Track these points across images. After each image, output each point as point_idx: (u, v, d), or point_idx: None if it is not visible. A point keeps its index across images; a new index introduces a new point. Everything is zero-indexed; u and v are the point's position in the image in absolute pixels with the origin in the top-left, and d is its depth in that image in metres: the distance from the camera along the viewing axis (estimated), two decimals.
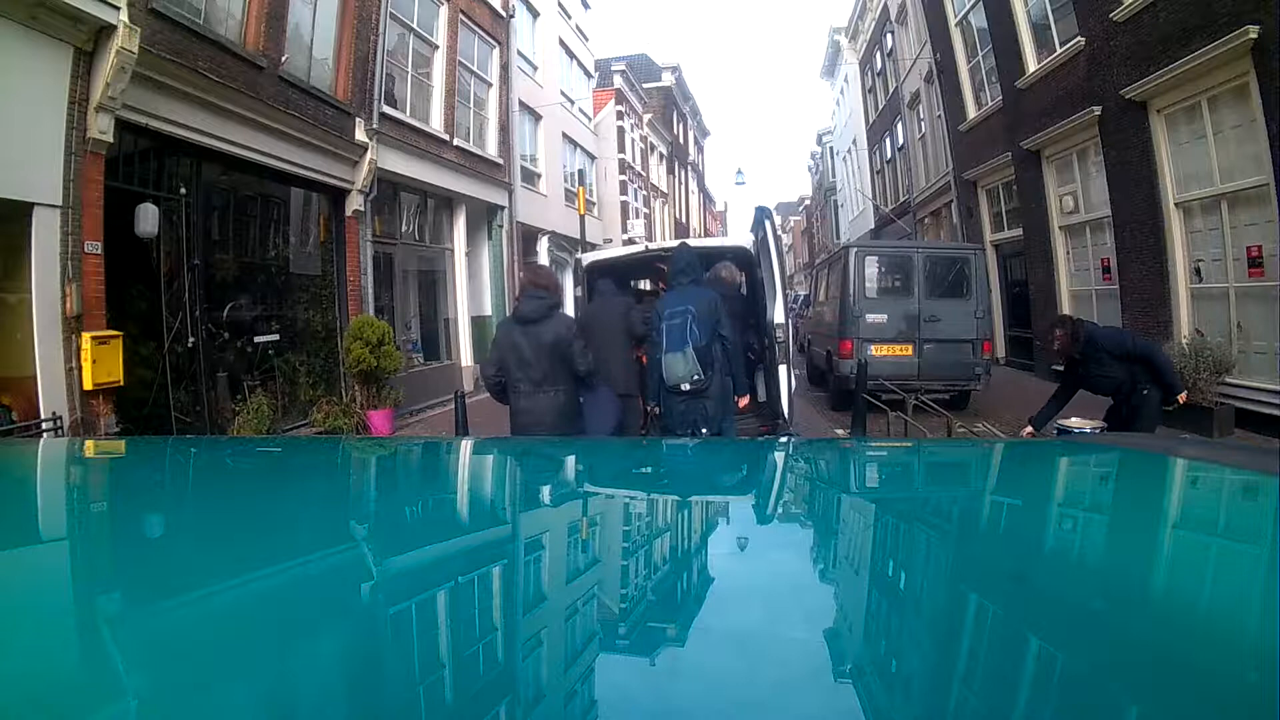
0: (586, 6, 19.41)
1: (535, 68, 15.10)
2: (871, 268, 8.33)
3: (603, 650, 0.53)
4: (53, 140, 4.91)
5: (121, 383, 5.25)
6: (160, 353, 6.01)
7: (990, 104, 12.01)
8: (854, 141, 24.52)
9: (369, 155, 8.60)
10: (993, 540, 0.80)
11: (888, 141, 20.39)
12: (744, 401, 4.08)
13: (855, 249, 8.64)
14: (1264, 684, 0.41)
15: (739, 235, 5.96)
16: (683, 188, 32.20)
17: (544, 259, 14.87)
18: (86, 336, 5.00)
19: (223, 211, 7.14)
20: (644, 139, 24.91)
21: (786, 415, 4.49)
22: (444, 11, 10.78)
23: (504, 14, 12.93)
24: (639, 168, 23.97)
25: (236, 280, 7.16)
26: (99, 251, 5.19)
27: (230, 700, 0.43)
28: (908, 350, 8.00)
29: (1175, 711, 0.41)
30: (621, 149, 21.94)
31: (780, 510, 1.00)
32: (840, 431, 7.16)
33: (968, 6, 12.57)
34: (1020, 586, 0.62)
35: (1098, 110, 8.41)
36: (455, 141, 10.98)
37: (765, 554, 0.76)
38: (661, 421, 4.08)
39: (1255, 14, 5.92)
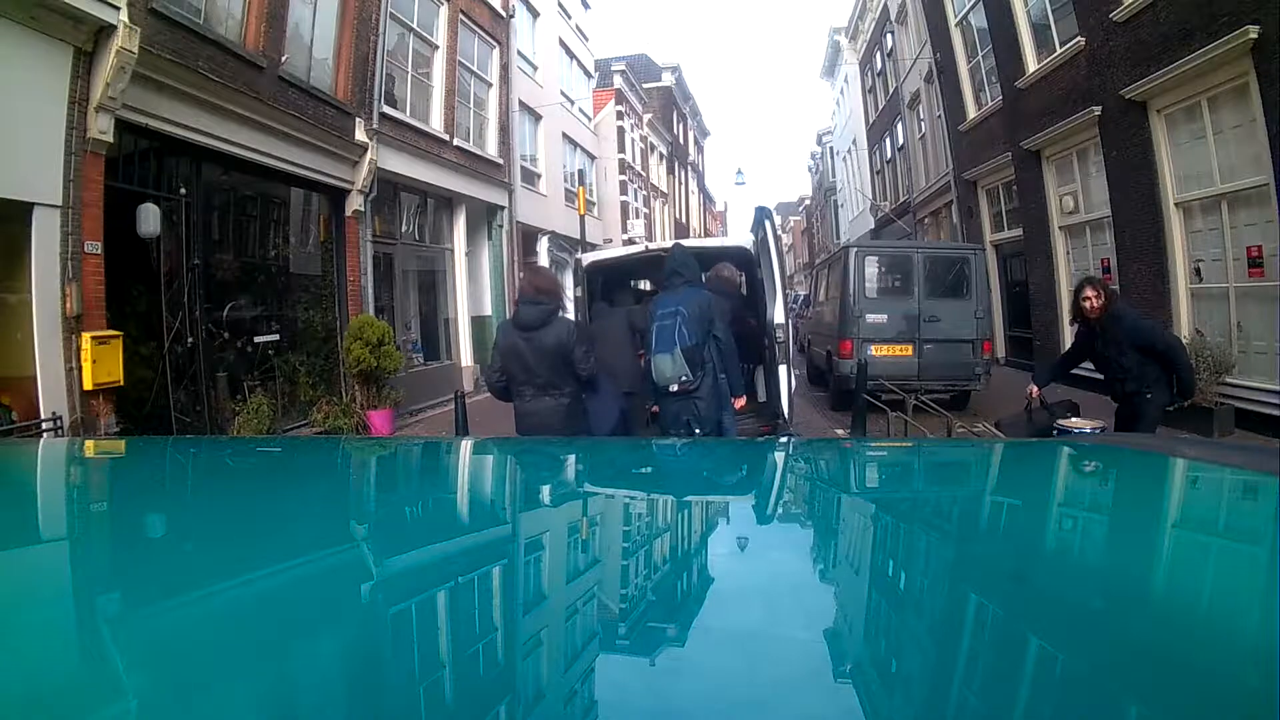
0: (586, 6, 19.42)
1: (535, 68, 15.10)
2: (871, 268, 8.33)
3: (603, 650, 0.53)
4: (53, 140, 4.91)
5: (121, 383, 5.25)
6: (160, 353, 6.01)
7: (990, 104, 12.01)
8: (854, 142, 24.52)
9: (369, 155, 8.61)
10: (993, 540, 0.80)
11: (888, 141, 20.39)
12: (740, 403, 4.07)
13: (855, 249, 8.64)
14: (1264, 684, 0.41)
15: (739, 235, 5.96)
16: (683, 188, 32.20)
17: (544, 259, 14.87)
18: (86, 336, 5.00)
19: (223, 211, 7.14)
20: (644, 139, 24.92)
21: (786, 415, 4.49)
22: (444, 11, 10.79)
23: (504, 14, 12.93)
24: (639, 168, 23.97)
25: (236, 280, 7.16)
26: (99, 251, 5.19)
27: (230, 700, 0.43)
28: (908, 350, 8.00)
29: (1175, 711, 0.41)
30: (621, 149, 21.94)
31: (780, 510, 1.00)
32: (840, 431, 7.16)
33: (968, 6, 12.57)
34: (1020, 586, 0.62)
35: (1098, 110, 8.41)
36: (455, 141, 10.98)
37: (765, 554, 0.76)
38: (659, 420, 4.09)
39: (1255, 14, 5.92)
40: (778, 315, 4.50)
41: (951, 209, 14.38)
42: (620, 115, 22.01)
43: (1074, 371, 4.45)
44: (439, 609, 0.61)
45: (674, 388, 3.78)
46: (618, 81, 21.90)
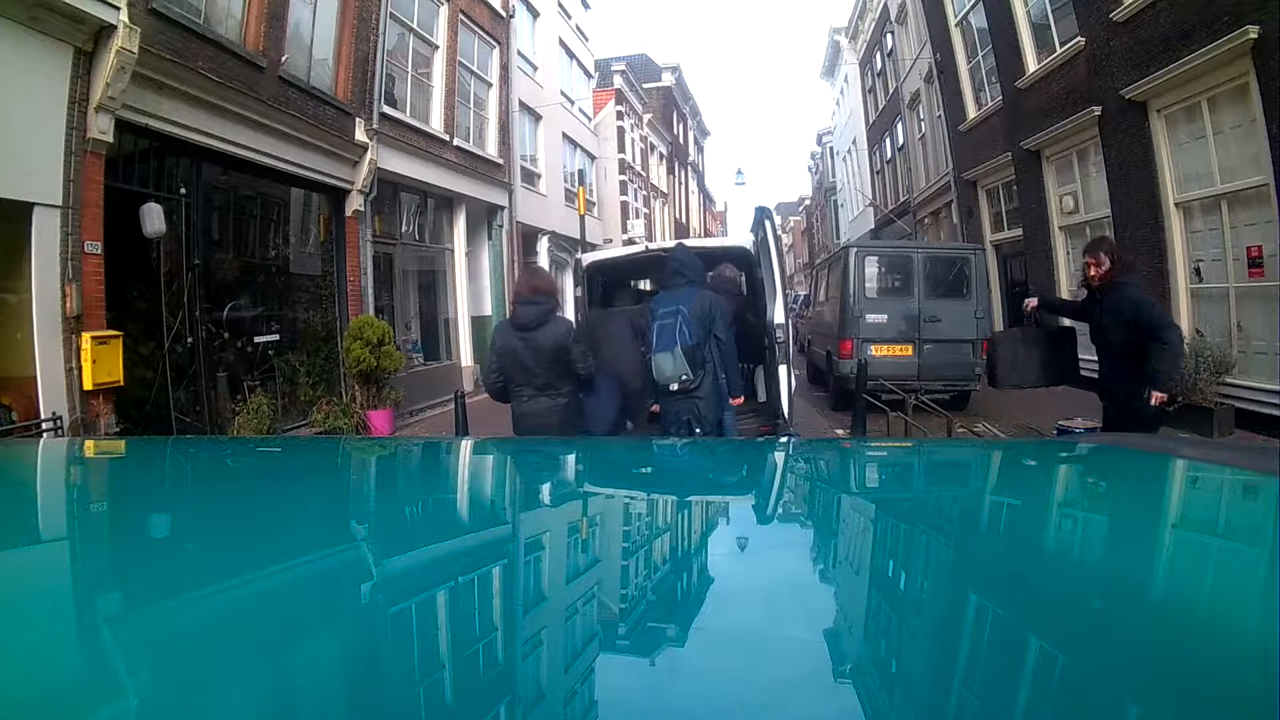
0: (586, 6, 19.42)
1: (535, 68, 15.10)
2: (871, 268, 8.33)
3: (603, 650, 0.53)
4: (53, 140, 4.91)
5: (121, 383, 5.25)
6: (160, 353, 6.01)
7: (990, 104, 12.01)
8: (854, 142, 24.51)
9: (369, 155, 8.61)
10: (993, 540, 0.80)
11: (888, 141, 20.38)
12: (737, 402, 4.08)
13: (855, 249, 8.64)
14: (1264, 684, 0.41)
15: (739, 235, 5.96)
16: (683, 188, 32.20)
17: (544, 259, 14.87)
18: (86, 336, 5.00)
19: (223, 211, 7.14)
20: (644, 139, 24.92)
21: (786, 415, 4.49)
22: (444, 11, 10.78)
23: (504, 14, 12.93)
24: (639, 168, 23.97)
25: (236, 280, 7.16)
26: (99, 251, 5.19)
27: (230, 700, 0.43)
28: (907, 350, 8.00)
29: (1175, 711, 0.41)
30: (621, 149, 21.94)
31: (780, 510, 1.00)
32: (840, 431, 7.16)
33: (968, 6, 12.56)
34: (1020, 586, 0.62)
35: (1098, 110, 8.41)
36: (455, 141, 10.98)
37: (765, 554, 0.76)
38: (660, 419, 4.10)
39: (1255, 14, 5.92)
40: (778, 315, 4.50)
41: (951, 209, 14.38)
42: (620, 115, 22.01)
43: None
44: (439, 609, 0.61)
45: (674, 387, 3.79)
46: (618, 81, 21.90)
